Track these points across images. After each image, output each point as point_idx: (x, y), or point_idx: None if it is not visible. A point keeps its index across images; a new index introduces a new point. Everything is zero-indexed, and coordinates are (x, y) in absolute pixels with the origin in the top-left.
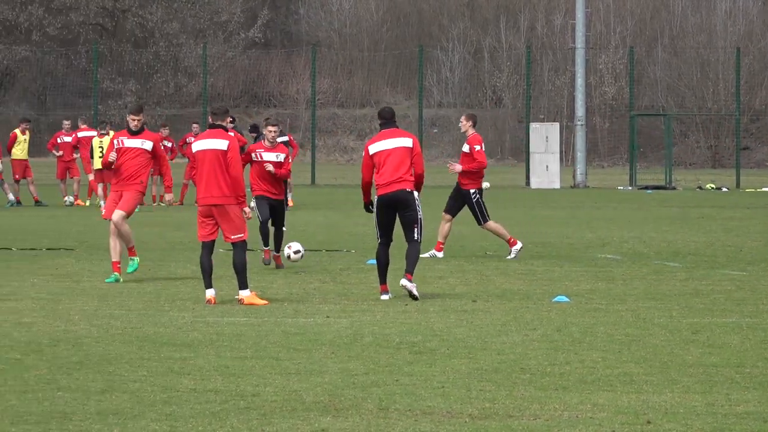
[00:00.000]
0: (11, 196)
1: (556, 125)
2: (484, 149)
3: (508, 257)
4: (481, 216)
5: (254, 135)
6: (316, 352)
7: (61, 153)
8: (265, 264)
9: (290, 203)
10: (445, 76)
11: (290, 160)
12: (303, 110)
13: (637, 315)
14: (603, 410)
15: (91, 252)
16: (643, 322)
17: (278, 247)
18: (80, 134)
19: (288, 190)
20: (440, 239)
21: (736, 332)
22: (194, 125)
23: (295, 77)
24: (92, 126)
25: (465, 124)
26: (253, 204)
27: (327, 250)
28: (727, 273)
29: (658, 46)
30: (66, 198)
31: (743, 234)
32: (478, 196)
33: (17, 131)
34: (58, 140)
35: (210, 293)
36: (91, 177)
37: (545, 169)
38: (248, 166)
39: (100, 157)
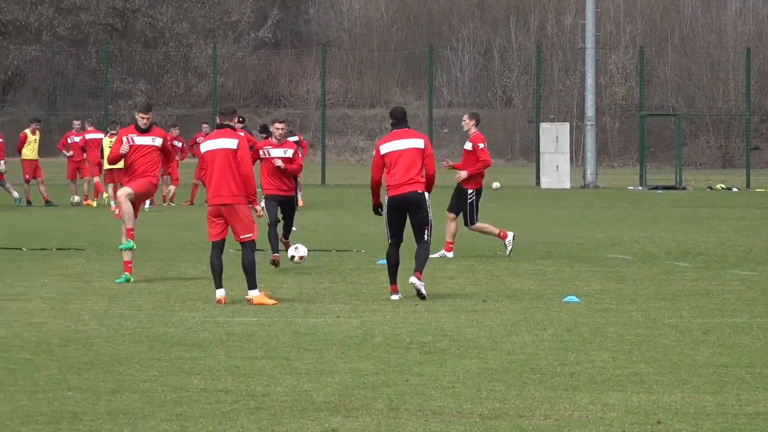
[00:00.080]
0: (16, 194)
1: (566, 125)
2: (486, 147)
3: (506, 253)
4: (470, 217)
5: (264, 135)
6: (326, 352)
7: (71, 153)
8: (275, 267)
9: (300, 203)
10: (455, 76)
11: (301, 157)
12: (313, 110)
13: (648, 315)
14: (613, 410)
15: (101, 252)
16: (653, 322)
17: (287, 234)
18: (87, 136)
19: (298, 189)
20: (448, 239)
21: (747, 332)
22: (204, 125)
23: (305, 77)
24: (99, 128)
25: (468, 123)
26: (262, 204)
27: (337, 250)
28: (738, 273)
29: (668, 46)
30: (73, 198)
31: (753, 234)
32: (474, 197)
33: (27, 131)
34: (68, 140)
35: (220, 293)
36: (96, 179)
37: (555, 169)
38: (257, 165)
39: None
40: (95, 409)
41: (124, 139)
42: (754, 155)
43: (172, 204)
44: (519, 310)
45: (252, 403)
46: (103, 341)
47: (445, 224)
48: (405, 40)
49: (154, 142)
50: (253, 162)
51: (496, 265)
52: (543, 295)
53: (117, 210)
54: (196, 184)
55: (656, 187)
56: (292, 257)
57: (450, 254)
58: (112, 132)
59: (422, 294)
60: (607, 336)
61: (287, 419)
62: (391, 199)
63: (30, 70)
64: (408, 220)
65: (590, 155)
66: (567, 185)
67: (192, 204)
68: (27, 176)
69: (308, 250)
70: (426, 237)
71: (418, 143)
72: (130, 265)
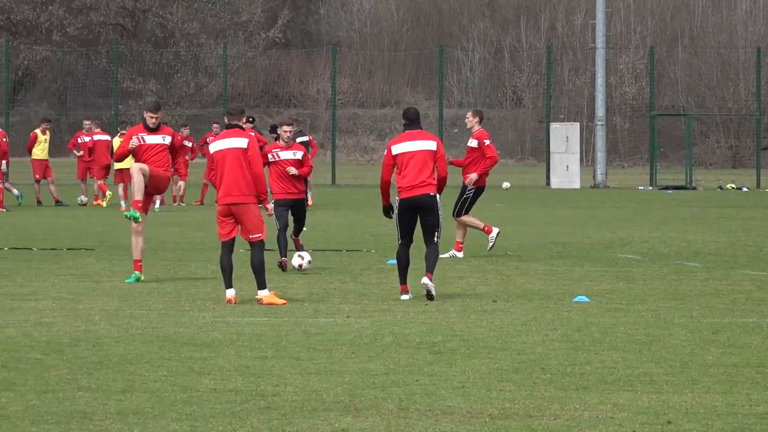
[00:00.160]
0: (16, 191)
1: (577, 125)
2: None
3: (487, 247)
4: (459, 209)
5: (275, 135)
6: (336, 352)
7: (81, 153)
8: (283, 270)
9: (310, 202)
10: (465, 76)
11: (310, 158)
12: (323, 110)
13: (658, 315)
14: (623, 410)
15: (111, 252)
16: (663, 322)
17: (297, 233)
18: (95, 137)
19: (308, 189)
20: (458, 239)
21: (757, 332)
22: (214, 125)
23: (315, 77)
24: (105, 129)
25: (471, 120)
26: (270, 205)
27: (347, 250)
28: (748, 273)
29: (678, 46)
30: (80, 198)
31: (764, 234)
32: (472, 193)
33: (38, 131)
34: (79, 140)
35: (230, 293)
36: (100, 182)
37: (565, 169)
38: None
39: None
40: (105, 409)
41: (135, 138)
42: (764, 155)
43: (182, 204)
44: (529, 310)
45: (262, 402)
46: (113, 341)
47: (455, 225)
48: (415, 40)
49: (164, 140)
50: (263, 165)
51: (506, 265)
52: (553, 295)
53: (135, 209)
54: (206, 184)
55: (666, 187)
56: (300, 266)
57: (460, 254)
58: (122, 132)
59: (432, 295)
60: (617, 336)
61: (297, 419)
62: (402, 201)
63: (40, 70)
64: (418, 221)
65: (600, 155)
66: (577, 185)
67: (202, 204)
68: (37, 176)
69: (318, 250)
70: (436, 239)
71: (431, 145)
72: (140, 264)
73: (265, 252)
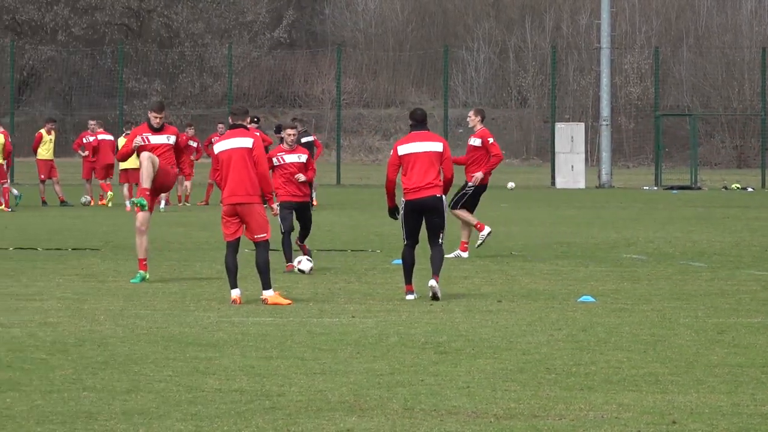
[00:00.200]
0: (15, 191)
1: (582, 125)
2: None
3: (476, 243)
4: (455, 203)
5: (280, 136)
6: (341, 352)
7: (86, 153)
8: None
9: (314, 203)
10: (470, 76)
11: (314, 160)
12: (328, 110)
13: (663, 315)
14: (628, 410)
15: (116, 252)
16: (668, 322)
17: (303, 238)
18: (99, 137)
19: (312, 190)
20: (463, 239)
21: (762, 332)
22: (219, 125)
23: (320, 77)
24: (108, 129)
25: (473, 119)
26: (276, 205)
27: (352, 250)
28: (753, 273)
29: (683, 46)
30: (83, 197)
31: None
32: (471, 190)
33: (43, 131)
34: (84, 140)
35: (235, 293)
36: (101, 182)
37: (570, 169)
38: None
39: None
40: (110, 409)
41: (139, 138)
42: None
43: (187, 204)
44: (534, 310)
45: (267, 403)
46: (118, 341)
47: (459, 225)
48: (420, 40)
49: (168, 140)
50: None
51: (511, 265)
52: (558, 295)
53: (143, 196)
54: (211, 185)
55: (671, 187)
56: (303, 271)
57: (465, 254)
58: (127, 132)
59: (438, 297)
60: (622, 336)
61: (302, 419)
62: (408, 203)
63: (45, 70)
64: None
65: (605, 155)
66: (582, 185)
67: (207, 204)
68: (42, 176)
69: (323, 250)
70: (440, 240)
71: (437, 147)
72: (145, 263)
73: (270, 252)
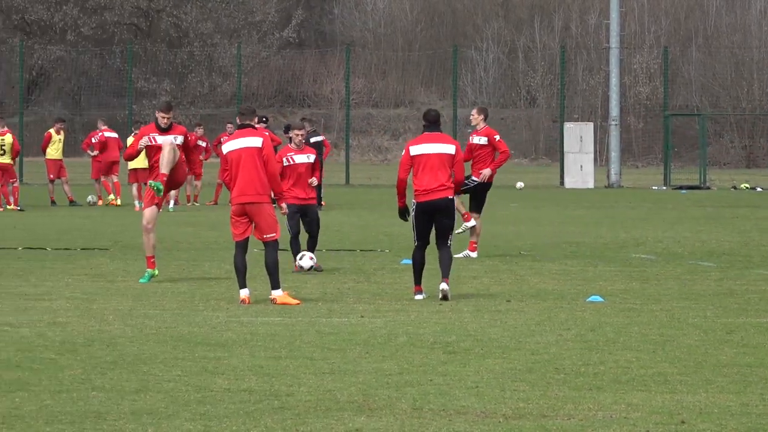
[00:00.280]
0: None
1: (591, 125)
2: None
3: (458, 230)
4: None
5: (289, 135)
6: (350, 352)
7: (96, 153)
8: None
9: (323, 203)
10: (479, 76)
11: (322, 160)
12: (337, 110)
13: (672, 315)
14: (637, 410)
15: (125, 252)
16: (677, 322)
17: (312, 248)
18: (105, 134)
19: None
20: (473, 239)
21: None
22: (229, 125)
23: (329, 77)
24: (112, 127)
25: (476, 117)
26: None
27: (361, 250)
28: (762, 273)
29: (692, 46)
30: (90, 197)
31: None
32: (472, 183)
33: (52, 131)
34: (93, 140)
35: (244, 293)
36: (104, 179)
37: (579, 169)
38: None
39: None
40: (119, 409)
41: (146, 138)
42: None
43: (196, 204)
44: (543, 309)
45: (276, 402)
46: (127, 341)
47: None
48: (429, 39)
49: (175, 141)
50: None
51: (520, 264)
52: (567, 294)
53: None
54: (220, 184)
55: (680, 187)
56: (307, 267)
57: (474, 254)
58: (135, 132)
59: (447, 298)
60: (631, 336)
61: (311, 419)
62: (420, 205)
63: (55, 70)
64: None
65: (614, 155)
66: (591, 185)
67: (216, 204)
68: (51, 176)
69: (332, 250)
70: (449, 242)
71: (449, 149)
72: (153, 261)
73: (279, 252)
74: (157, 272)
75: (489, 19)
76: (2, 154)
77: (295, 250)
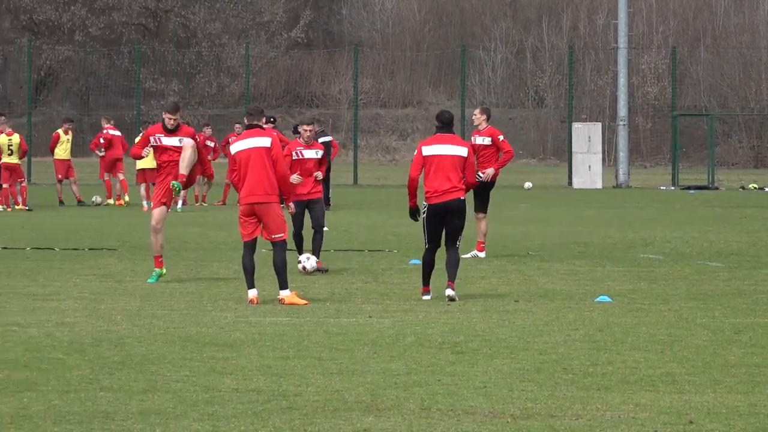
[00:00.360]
0: None
1: (599, 125)
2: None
3: (466, 255)
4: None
5: (297, 135)
6: (358, 352)
7: (104, 153)
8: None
9: (330, 204)
10: (487, 76)
11: (330, 160)
12: (345, 110)
13: (680, 315)
14: (645, 410)
15: (133, 252)
16: (685, 323)
17: (317, 251)
18: (109, 132)
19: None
20: (480, 239)
21: None
22: (237, 125)
23: (337, 77)
24: (119, 127)
25: (479, 117)
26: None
27: (369, 250)
28: None
29: (700, 46)
30: (94, 197)
31: None
32: (478, 180)
33: (60, 131)
34: (101, 140)
35: (252, 293)
36: (106, 177)
37: (588, 169)
38: None
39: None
40: (127, 409)
41: (151, 139)
42: None
43: (204, 204)
44: (551, 310)
45: (284, 402)
46: (135, 341)
47: (476, 225)
48: (437, 39)
49: (180, 143)
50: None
51: (528, 265)
52: (575, 295)
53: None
54: (228, 184)
55: (688, 187)
56: (306, 268)
57: (482, 254)
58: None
59: (455, 300)
60: (639, 336)
61: (319, 419)
62: (431, 207)
63: (63, 70)
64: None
65: (622, 155)
66: (599, 185)
67: (224, 204)
68: (59, 176)
69: (340, 250)
70: (458, 243)
71: (462, 151)
72: (160, 260)
73: (287, 252)
74: (165, 272)
75: (497, 19)
76: (10, 154)
77: (299, 243)
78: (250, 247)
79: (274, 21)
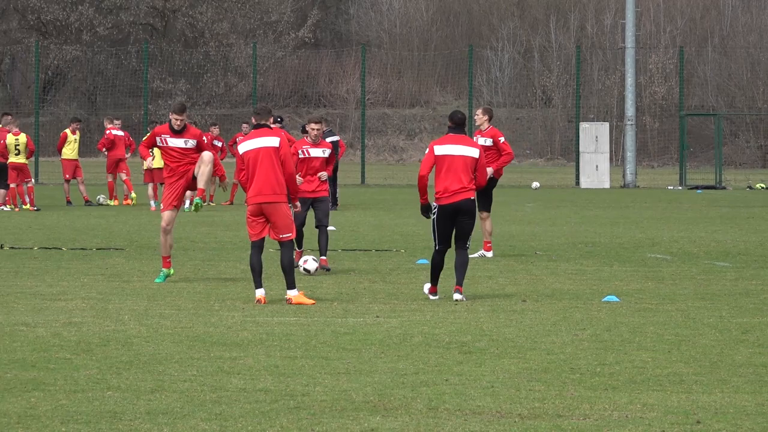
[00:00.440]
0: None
1: (606, 125)
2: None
3: (473, 254)
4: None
5: (305, 134)
6: (365, 352)
7: (106, 153)
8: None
9: (337, 204)
10: (494, 76)
11: (338, 160)
12: (353, 110)
13: (687, 315)
14: (652, 410)
15: (141, 252)
16: (692, 322)
17: (323, 250)
18: (113, 132)
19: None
20: (486, 238)
21: None
22: (244, 125)
23: (344, 77)
24: (127, 127)
25: (481, 117)
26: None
27: (377, 250)
28: None
29: (708, 46)
30: (99, 196)
31: None
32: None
33: (67, 131)
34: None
35: (260, 293)
36: (110, 178)
37: (595, 169)
38: None
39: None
40: (135, 409)
41: (157, 140)
42: None
43: (212, 204)
44: (558, 309)
45: (291, 402)
46: (142, 341)
47: (481, 224)
48: (445, 39)
49: (186, 144)
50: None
51: (536, 264)
52: (582, 294)
53: (201, 197)
54: (235, 184)
55: (696, 187)
56: (309, 270)
57: (489, 254)
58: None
59: (463, 301)
60: (647, 336)
61: (326, 419)
62: (442, 207)
63: (70, 70)
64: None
65: (630, 155)
66: (606, 185)
67: (232, 204)
68: (67, 176)
69: (348, 250)
70: (468, 243)
71: (473, 152)
72: (169, 260)
73: (294, 252)
74: (172, 272)
75: (504, 19)
76: (17, 154)
77: (298, 239)
78: (258, 246)
79: (282, 21)
